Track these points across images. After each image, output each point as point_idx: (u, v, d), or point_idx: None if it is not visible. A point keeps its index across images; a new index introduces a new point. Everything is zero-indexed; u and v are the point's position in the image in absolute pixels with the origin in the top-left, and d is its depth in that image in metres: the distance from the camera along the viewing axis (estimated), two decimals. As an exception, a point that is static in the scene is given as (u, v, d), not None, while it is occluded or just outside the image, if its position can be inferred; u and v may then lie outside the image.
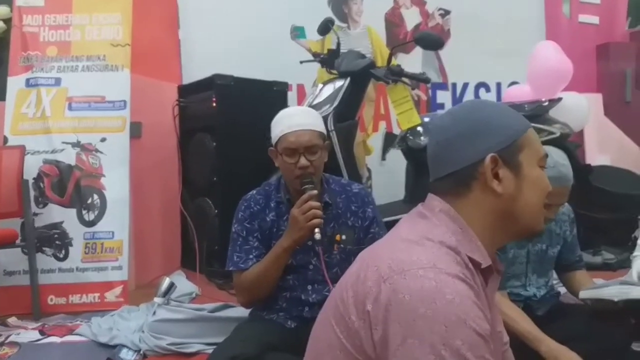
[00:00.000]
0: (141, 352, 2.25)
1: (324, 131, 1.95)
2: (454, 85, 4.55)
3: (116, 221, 2.98)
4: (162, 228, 3.61)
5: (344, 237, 1.93)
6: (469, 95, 4.54)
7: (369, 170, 4.26)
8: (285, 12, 4.10)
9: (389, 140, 4.29)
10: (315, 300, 1.87)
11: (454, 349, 0.83)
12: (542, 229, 1.07)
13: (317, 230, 1.78)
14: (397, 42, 4.28)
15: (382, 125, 4.37)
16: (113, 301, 2.88)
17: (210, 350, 2.00)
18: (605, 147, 4.48)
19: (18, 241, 2.79)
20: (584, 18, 4.87)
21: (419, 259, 0.91)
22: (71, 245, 2.94)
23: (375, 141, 4.34)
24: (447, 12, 4.55)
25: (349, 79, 2.88)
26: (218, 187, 3.25)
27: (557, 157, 1.87)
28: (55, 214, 2.96)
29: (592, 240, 3.46)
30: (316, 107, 2.80)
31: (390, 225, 1.11)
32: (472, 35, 4.48)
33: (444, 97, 4.53)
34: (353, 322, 0.92)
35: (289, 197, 1.92)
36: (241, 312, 2.23)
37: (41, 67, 3.08)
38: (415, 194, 3.27)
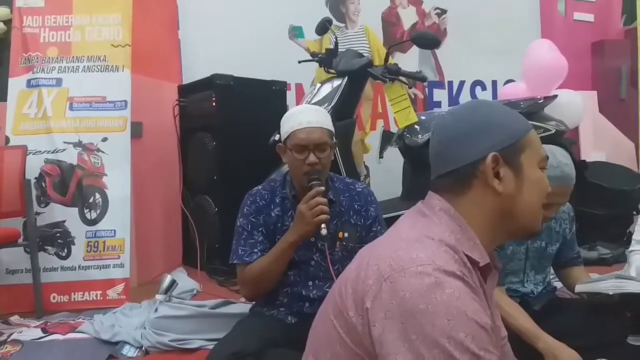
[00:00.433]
0: (143, 348, 2.27)
1: (333, 130, 1.97)
2: (451, 83, 4.58)
3: (118, 220, 3.00)
4: (164, 226, 3.63)
5: (346, 234, 1.95)
6: (465, 94, 4.57)
7: (367, 168, 4.29)
8: (284, 12, 4.12)
9: (387, 139, 4.31)
10: (316, 296, 1.89)
11: (458, 342, 0.84)
12: (540, 230, 1.08)
13: (323, 225, 1.79)
14: (394, 41, 4.31)
15: (380, 123, 4.39)
16: (115, 299, 2.90)
17: (211, 346, 2.01)
18: (600, 144, 4.50)
19: (20, 240, 2.81)
20: (579, 16, 4.89)
21: (419, 256, 0.91)
22: (73, 243, 2.96)
23: (373, 139, 4.36)
24: (443, 12, 4.57)
25: (346, 78, 2.90)
26: (218, 186, 3.28)
27: (561, 157, 1.86)
28: (57, 213, 2.99)
29: (588, 235, 3.48)
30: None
31: (388, 222, 1.13)
32: (468, 34, 4.51)
33: (440, 95, 4.56)
34: (351, 318, 0.94)
35: (295, 194, 1.94)
36: (242, 308, 2.26)
37: (42, 68, 3.10)
38: (412, 191, 3.29)
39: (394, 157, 3.71)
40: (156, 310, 2.42)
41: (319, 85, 3.04)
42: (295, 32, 4.16)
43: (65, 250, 2.96)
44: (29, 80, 3.09)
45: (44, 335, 2.49)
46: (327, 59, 3.08)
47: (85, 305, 2.89)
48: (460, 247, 0.97)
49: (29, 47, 3.13)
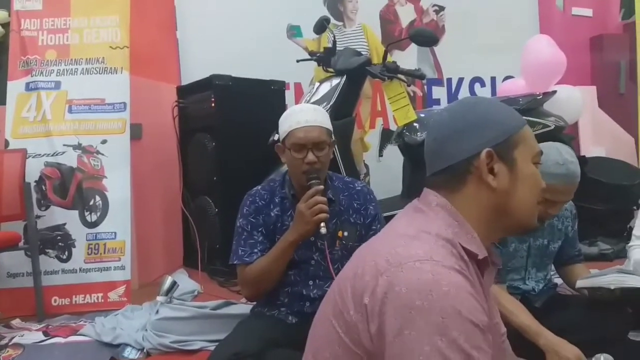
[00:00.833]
0: (145, 350, 2.28)
1: (331, 129, 1.97)
2: (449, 80, 4.58)
3: (118, 222, 3.00)
4: (164, 227, 3.63)
5: (346, 233, 1.95)
6: (464, 91, 4.57)
7: (366, 166, 4.28)
8: (281, 11, 4.12)
9: (386, 137, 4.32)
10: (316, 296, 1.89)
11: (451, 340, 0.84)
12: (535, 225, 1.08)
13: (322, 224, 1.79)
14: (392, 39, 4.31)
15: (379, 121, 4.40)
16: (116, 301, 2.90)
17: (212, 347, 2.01)
18: (599, 139, 4.50)
19: (21, 243, 2.82)
20: (577, 11, 4.89)
21: (416, 252, 0.91)
22: (74, 246, 2.96)
23: (373, 138, 4.37)
24: (441, 9, 4.57)
25: (345, 76, 2.90)
26: (218, 186, 3.28)
27: (567, 155, 1.85)
28: (58, 215, 2.99)
29: (588, 231, 3.48)
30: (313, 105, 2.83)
31: (388, 220, 1.13)
32: (467, 30, 4.51)
33: (439, 92, 4.56)
34: (351, 316, 0.94)
35: (294, 193, 1.94)
36: (243, 308, 2.27)
37: (40, 70, 3.10)
38: (412, 189, 3.29)
39: (394, 155, 3.72)
40: (157, 312, 2.43)
41: (317, 84, 3.04)
42: (294, 31, 4.16)
43: (66, 253, 2.96)
44: (27, 84, 3.09)
45: (45, 338, 2.49)
46: (325, 58, 3.08)
47: (87, 307, 2.89)
48: (458, 240, 0.97)
49: (28, 50, 3.13)
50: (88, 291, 2.93)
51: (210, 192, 3.35)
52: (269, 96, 3.47)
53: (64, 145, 3.03)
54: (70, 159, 3.03)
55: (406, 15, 4.51)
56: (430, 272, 0.88)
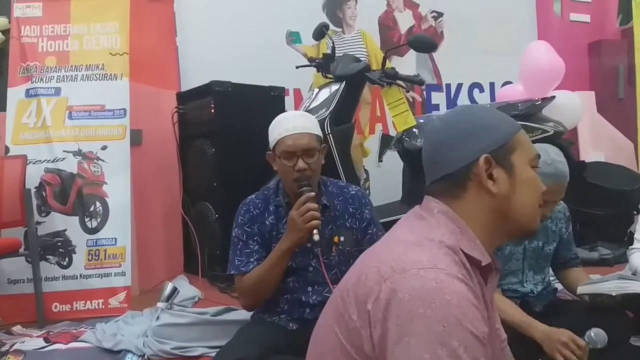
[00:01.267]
0: (145, 356, 2.27)
1: (321, 135, 1.98)
2: (448, 86, 4.59)
3: (119, 228, 3.00)
4: (164, 233, 3.63)
5: (342, 238, 1.96)
6: (463, 96, 4.58)
7: (366, 172, 4.31)
8: (281, 17, 4.13)
9: (386, 142, 4.33)
10: (316, 302, 1.90)
11: (451, 350, 0.84)
12: (537, 229, 1.09)
13: (315, 231, 1.80)
14: (391, 45, 4.32)
15: (379, 127, 4.40)
16: (117, 307, 2.89)
17: (213, 353, 2.02)
18: (599, 144, 4.51)
19: (21, 250, 2.81)
20: (575, 16, 4.90)
21: (420, 259, 0.92)
22: (74, 252, 2.96)
23: (372, 143, 4.38)
24: (440, 15, 4.58)
25: (344, 82, 2.91)
26: (218, 192, 3.28)
27: (554, 155, 1.89)
28: (58, 222, 2.99)
29: (588, 236, 3.49)
30: (312, 111, 2.84)
31: (388, 226, 1.13)
32: (465, 36, 4.52)
33: (438, 98, 4.56)
34: (354, 322, 0.94)
35: (288, 201, 1.95)
36: (243, 315, 2.26)
37: (40, 77, 3.10)
38: (412, 194, 3.30)
39: (393, 161, 3.72)
40: (158, 318, 2.43)
41: (317, 90, 3.05)
42: (293, 38, 4.16)
43: (67, 259, 2.96)
44: (27, 90, 3.09)
45: (46, 345, 2.48)
46: (324, 64, 3.09)
47: (87, 314, 2.88)
48: (461, 248, 0.98)
49: (28, 57, 3.14)
50: (89, 297, 2.92)
51: (211, 198, 3.35)
52: (268, 102, 3.47)
53: (64, 151, 3.03)
54: (70, 165, 3.03)
55: (405, 21, 4.52)
56: (434, 280, 0.88)
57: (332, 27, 4.01)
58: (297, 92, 4.09)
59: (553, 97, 3.60)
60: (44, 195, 3.00)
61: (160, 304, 2.61)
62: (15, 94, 3.10)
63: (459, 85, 4.60)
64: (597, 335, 1.76)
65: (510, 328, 1.74)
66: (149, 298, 2.89)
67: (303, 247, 1.89)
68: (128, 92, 3.13)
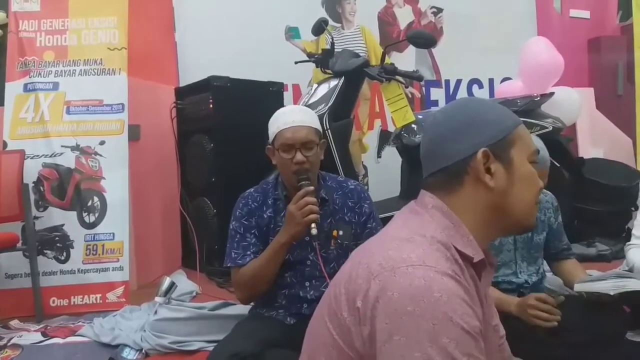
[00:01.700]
0: (143, 351, 2.27)
1: (320, 128, 1.97)
2: (447, 82, 4.59)
3: (116, 223, 3.00)
4: (163, 228, 3.63)
5: (340, 232, 1.96)
6: (462, 92, 4.58)
7: (365, 167, 4.31)
8: (280, 13, 4.13)
9: (384, 138, 4.33)
10: (313, 297, 1.90)
11: (441, 347, 0.83)
12: (533, 225, 1.08)
13: (313, 225, 1.80)
14: (391, 40, 4.32)
15: (378, 123, 4.40)
16: (115, 301, 2.90)
17: (211, 347, 2.02)
18: (598, 141, 4.51)
19: (19, 244, 2.81)
20: (575, 13, 4.90)
21: (409, 256, 0.91)
22: (72, 247, 2.96)
23: (371, 139, 4.38)
24: (439, 10, 4.58)
25: (343, 78, 2.91)
26: (216, 187, 3.28)
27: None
28: (56, 216, 2.99)
29: (586, 232, 3.49)
30: (311, 106, 2.83)
31: (386, 221, 1.13)
32: (465, 32, 4.52)
33: (437, 94, 4.56)
34: (345, 319, 0.94)
35: (287, 194, 1.95)
36: (241, 309, 2.26)
37: (39, 72, 3.10)
38: (410, 190, 3.30)
39: (392, 157, 3.72)
40: (156, 312, 2.43)
41: (315, 85, 3.05)
42: (292, 33, 4.16)
43: (64, 254, 2.96)
44: (25, 85, 3.09)
45: (44, 339, 2.49)
46: (323, 60, 3.09)
47: (85, 308, 2.88)
48: (453, 244, 0.97)
49: (26, 52, 3.13)
50: (86, 292, 2.93)
51: (209, 193, 3.35)
52: (267, 97, 3.47)
53: (62, 146, 3.03)
54: (68, 160, 3.02)
55: (404, 17, 4.52)
56: (423, 278, 0.88)
57: (331, 22, 4.01)
58: (296, 88, 4.09)
59: (552, 94, 3.60)
60: (42, 190, 2.99)
61: (158, 299, 2.61)
62: (13, 88, 3.09)
63: (458, 81, 4.60)
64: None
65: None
66: (146, 293, 2.89)
67: (301, 240, 1.89)
68: (126, 87, 3.13)
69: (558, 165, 3.65)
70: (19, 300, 2.83)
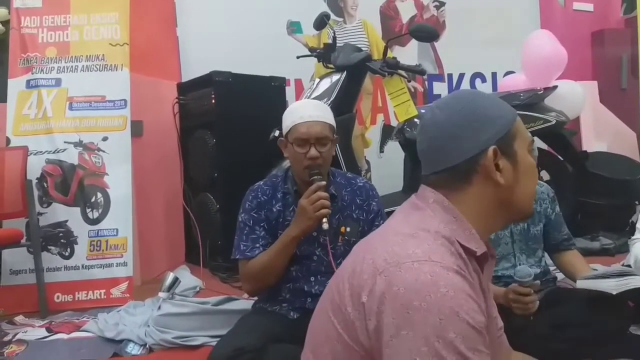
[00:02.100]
0: (147, 346, 2.27)
1: (334, 124, 1.97)
2: (450, 76, 4.58)
3: (120, 218, 3.01)
4: (166, 224, 3.64)
5: (348, 229, 1.96)
6: (465, 86, 4.57)
7: (367, 162, 4.30)
8: (282, 7, 4.12)
9: (387, 133, 4.33)
10: (318, 292, 1.89)
11: (448, 341, 0.84)
12: (532, 212, 1.08)
13: (324, 220, 1.80)
14: (393, 34, 4.30)
15: (380, 117, 4.40)
16: (119, 297, 2.91)
17: (214, 342, 2.02)
18: (601, 134, 4.50)
19: (23, 241, 2.82)
20: (578, 5, 4.88)
21: (414, 251, 0.91)
22: (76, 243, 2.97)
23: (374, 134, 4.37)
24: (441, 4, 4.57)
25: (345, 72, 2.90)
26: (219, 183, 3.29)
27: None
28: (60, 213, 2.99)
29: (590, 225, 3.49)
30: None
31: (389, 215, 1.13)
32: (467, 26, 4.51)
33: (440, 88, 4.55)
34: (349, 313, 0.94)
35: (296, 189, 1.95)
36: (244, 304, 2.27)
37: (41, 68, 3.10)
38: (413, 184, 3.27)
39: (395, 151, 3.72)
40: (159, 307, 2.42)
41: (318, 80, 3.04)
42: (294, 28, 4.16)
43: (68, 249, 2.97)
44: (28, 81, 3.09)
45: (48, 334, 2.49)
46: (325, 54, 3.08)
47: (89, 304, 2.89)
48: (456, 238, 0.96)
49: (28, 48, 3.13)
50: (90, 288, 2.93)
51: (211, 188, 3.36)
52: (269, 92, 3.48)
53: (65, 142, 3.04)
54: (71, 156, 3.03)
55: (406, 10, 4.51)
56: (429, 273, 0.88)
57: (333, 16, 4.00)
58: (298, 82, 4.08)
59: (555, 87, 3.59)
60: (45, 186, 3.00)
61: (161, 294, 2.61)
62: (15, 85, 3.09)
63: (461, 75, 4.59)
64: (520, 271, 1.88)
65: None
66: (150, 288, 2.90)
67: (309, 235, 1.89)
68: (128, 82, 3.13)
69: (562, 158, 3.65)
70: (24, 296, 2.84)
